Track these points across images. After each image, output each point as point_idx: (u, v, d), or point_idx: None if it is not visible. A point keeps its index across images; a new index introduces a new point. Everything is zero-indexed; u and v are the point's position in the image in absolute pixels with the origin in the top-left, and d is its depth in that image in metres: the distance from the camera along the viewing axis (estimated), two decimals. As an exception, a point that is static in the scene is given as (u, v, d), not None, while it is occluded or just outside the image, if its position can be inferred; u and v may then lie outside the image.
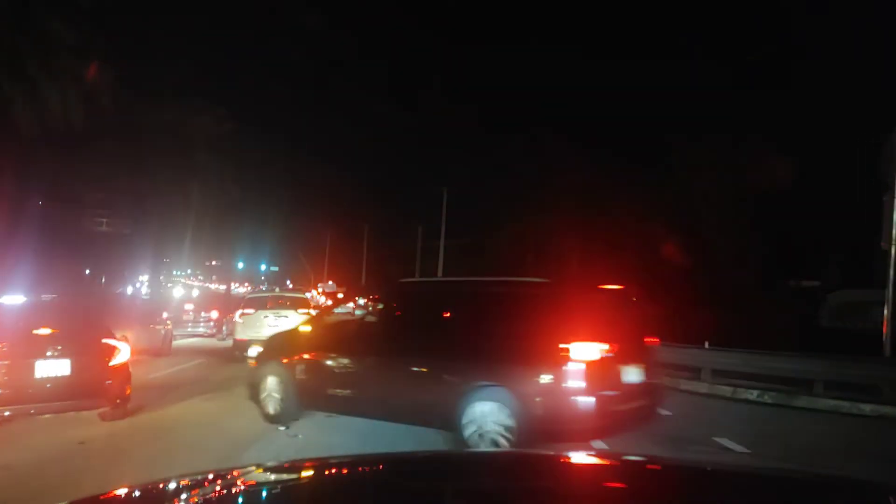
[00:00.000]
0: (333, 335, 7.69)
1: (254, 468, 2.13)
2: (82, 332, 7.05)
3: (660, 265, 24.09)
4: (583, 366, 5.51)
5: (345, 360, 6.97)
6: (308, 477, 1.96)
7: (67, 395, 6.56)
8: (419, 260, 48.03)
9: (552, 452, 3.66)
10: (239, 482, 1.83)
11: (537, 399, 5.64)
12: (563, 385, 5.53)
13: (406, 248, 51.72)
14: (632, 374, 5.93)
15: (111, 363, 6.93)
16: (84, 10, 20.05)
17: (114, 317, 13.18)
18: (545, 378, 5.65)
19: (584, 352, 5.56)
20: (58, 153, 23.86)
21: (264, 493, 1.83)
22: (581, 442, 5.72)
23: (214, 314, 26.94)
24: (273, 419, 7.23)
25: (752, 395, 10.20)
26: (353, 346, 6.97)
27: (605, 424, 5.69)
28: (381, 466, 2.13)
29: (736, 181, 19.28)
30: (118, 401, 7.05)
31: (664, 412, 8.85)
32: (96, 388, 6.76)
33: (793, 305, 17.88)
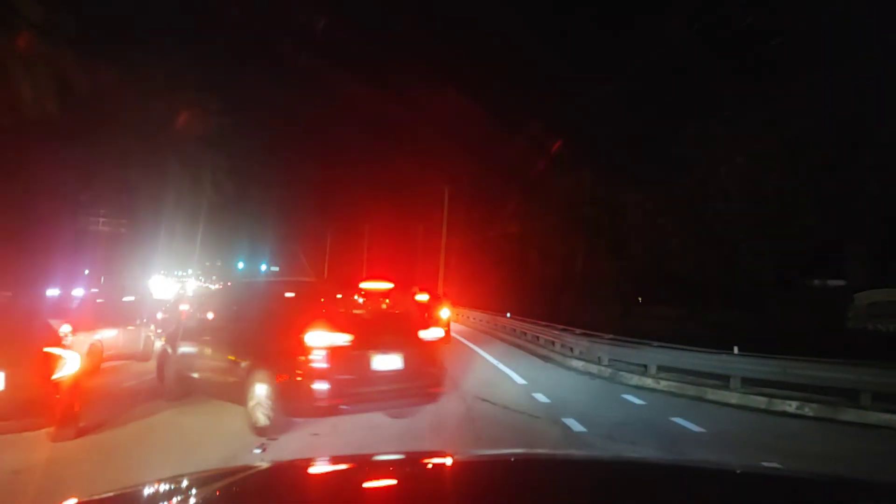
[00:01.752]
0: (195, 327, 8.81)
1: (248, 468, 2.08)
2: (20, 339, 6.03)
3: (670, 262, 23.10)
4: (319, 353, 6.43)
5: (197, 349, 8.20)
6: (302, 477, 1.96)
7: (1, 413, 5.55)
8: (420, 258, 47.15)
9: (551, 452, 3.81)
10: (233, 482, 1.82)
11: (286, 381, 6.58)
12: (303, 369, 6.45)
13: (407, 247, 50.87)
14: (386, 362, 6.80)
15: (55, 376, 5.90)
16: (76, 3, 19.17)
17: (86, 319, 12.29)
18: (291, 363, 6.56)
19: (319, 340, 6.48)
20: (51, 150, 23.04)
21: (258, 493, 1.78)
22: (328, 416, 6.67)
23: (210, 315, 25.93)
24: (167, 396, 8.55)
25: (791, 406, 9.15)
26: (203, 337, 8.24)
27: (345, 403, 6.50)
28: (378, 465, 2.12)
29: (754, 175, 18.21)
30: (66, 419, 6.05)
31: (698, 429, 7.84)
32: (37, 406, 5.75)
33: (816, 305, 16.85)
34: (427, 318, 8.17)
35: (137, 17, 28.53)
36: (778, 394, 9.50)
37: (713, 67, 20.00)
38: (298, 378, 6.47)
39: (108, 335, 12.91)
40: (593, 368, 13.21)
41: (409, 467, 2.11)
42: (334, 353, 6.46)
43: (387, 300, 8.78)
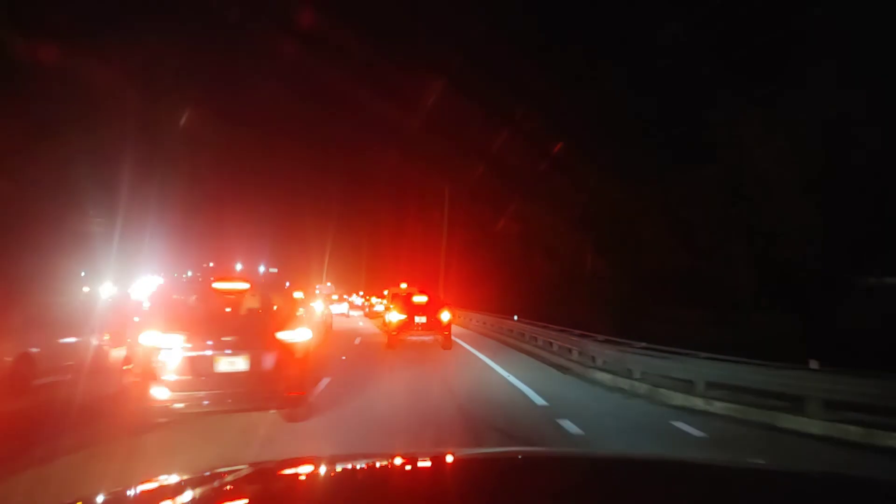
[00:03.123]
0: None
1: (246, 466, 2.07)
2: None
3: (695, 259, 21.04)
4: (153, 353, 6.50)
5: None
6: (301, 475, 1.95)
7: None
8: (421, 259, 45.39)
9: (551, 450, 4.00)
10: (237, 480, 1.83)
11: (133, 381, 6.99)
12: (141, 369, 6.63)
13: (409, 247, 49.46)
14: (232, 364, 6.65)
15: None
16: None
17: (11, 327, 10.28)
18: (136, 364, 6.89)
19: (152, 341, 6.55)
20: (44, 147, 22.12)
21: (255, 492, 1.78)
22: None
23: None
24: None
25: (898, 440, 7.02)
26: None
27: (180, 404, 6.44)
28: (379, 465, 2.11)
29: (795, 157, 16.07)
30: None
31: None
32: None
33: (873, 306, 14.72)
34: (290, 317, 7.81)
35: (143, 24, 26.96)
36: (876, 422, 7.37)
37: (744, 38, 17.83)
38: (137, 378, 6.71)
39: (50, 344, 11.03)
40: (624, 383, 11.11)
41: (411, 465, 2.06)
42: (167, 353, 6.50)
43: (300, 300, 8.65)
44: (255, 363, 6.71)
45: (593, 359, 13.29)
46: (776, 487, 1.75)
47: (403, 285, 30.87)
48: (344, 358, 15.58)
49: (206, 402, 6.53)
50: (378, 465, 2.09)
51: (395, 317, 17.92)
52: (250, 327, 7.15)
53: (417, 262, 47.47)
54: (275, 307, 7.76)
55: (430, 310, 17.90)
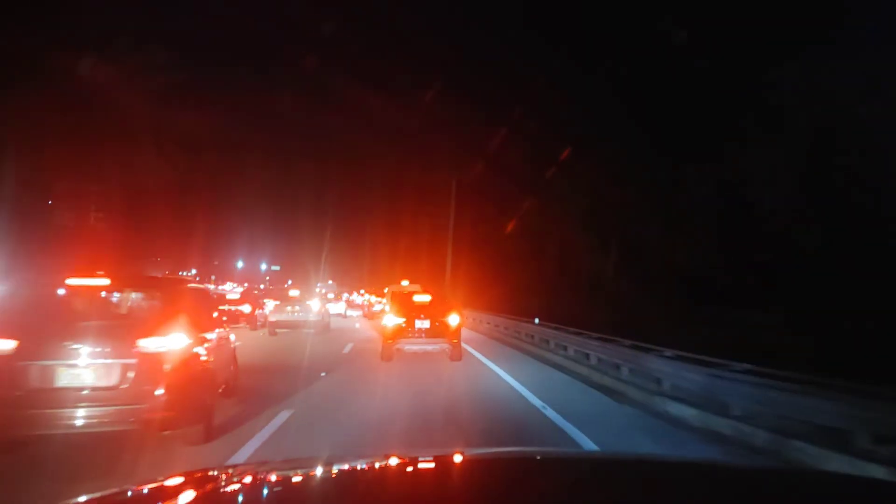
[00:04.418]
0: None
1: (251, 465, 2.13)
2: None
3: (755, 251, 17.51)
4: None
5: None
6: (304, 475, 1.91)
7: None
8: (426, 257, 42.47)
9: (552, 450, 3.93)
10: (236, 480, 1.83)
11: None
12: None
13: (413, 245, 46.81)
14: (76, 377, 5.69)
15: None
16: None
17: None
18: None
19: None
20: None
21: (263, 492, 1.76)
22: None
23: None
24: None
25: None
26: None
27: (13, 424, 5.44)
28: (380, 465, 2.09)
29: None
30: None
31: None
32: None
33: None
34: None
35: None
36: None
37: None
38: None
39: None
40: (721, 425, 7.49)
41: (410, 466, 2.05)
42: None
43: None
44: (105, 376, 5.66)
45: (658, 382, 9.70)
46: (777, 487, 1.73)
47: (405, 282, 27.35)
48: (324, 374, 12.00)
49: (44, 422, 5.49)
50: (379, 465, 2.05)
51: (393, 320, 14.45)
52: (105, 333, 5.97)
53: (423, 259, 44.34)
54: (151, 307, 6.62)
55: (435, 312, 14.41)
